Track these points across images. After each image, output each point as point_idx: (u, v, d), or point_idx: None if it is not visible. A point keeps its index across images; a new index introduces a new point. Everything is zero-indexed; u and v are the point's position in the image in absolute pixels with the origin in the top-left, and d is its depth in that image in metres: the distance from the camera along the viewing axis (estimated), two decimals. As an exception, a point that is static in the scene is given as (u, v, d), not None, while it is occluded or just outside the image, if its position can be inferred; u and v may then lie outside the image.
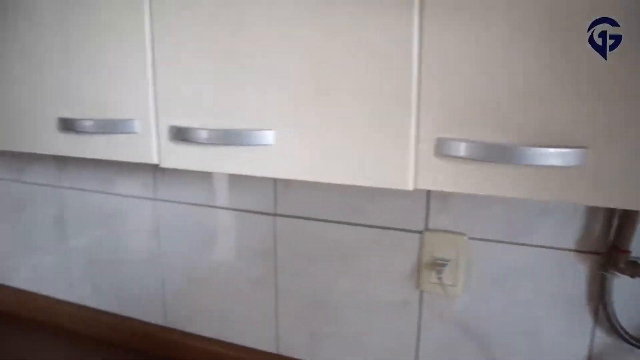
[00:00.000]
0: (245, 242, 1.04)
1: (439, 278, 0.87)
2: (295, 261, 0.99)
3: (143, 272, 1.18)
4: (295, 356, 1.04)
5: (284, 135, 0.59)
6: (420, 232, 0.89)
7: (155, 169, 1.11)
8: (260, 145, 0.60)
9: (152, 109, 0.66)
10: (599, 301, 0.78)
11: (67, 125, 0.72)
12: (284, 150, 0.59)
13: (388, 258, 0.92)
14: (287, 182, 0.96)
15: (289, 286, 1.01)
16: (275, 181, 0.98)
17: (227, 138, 0.61)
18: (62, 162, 1.23)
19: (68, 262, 1.29)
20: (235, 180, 1.02)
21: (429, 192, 0.87)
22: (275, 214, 0.99)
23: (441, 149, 0.53)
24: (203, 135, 0.63)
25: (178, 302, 1.15)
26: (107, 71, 0.68)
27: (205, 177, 1.06)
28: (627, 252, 0.74)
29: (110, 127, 0.69)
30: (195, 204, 1.08)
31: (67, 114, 0.72)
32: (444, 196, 0.86)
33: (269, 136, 0.59)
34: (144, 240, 1.16)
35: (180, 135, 0.64)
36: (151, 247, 1.15)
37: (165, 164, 0.67)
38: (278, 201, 0.98)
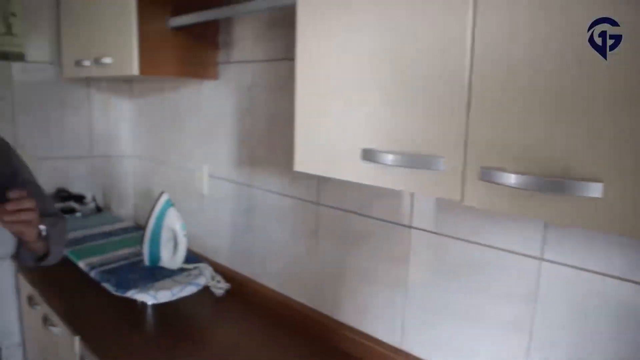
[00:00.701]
0: (505, 284, 1.02)
1: None
2: (560, 313, 0.94)
3: (387, 296, 1.24)
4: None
5: (616, 188, 0.56)
6: None
7: (400, 194, 1.17)
8: (585, 197, 0.58)
9: (461, 148, 0.69)
10: None
11: (370, 157, 0.79)
12: (614, 205, 0.56)
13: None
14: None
15: (549, 338, 0.96)
16: (544, 223, 0.94)
17: (543, 186, 0.61)
18: (322, 181, 1.37)
19: (316, 271, 1.43)
20: (497, 216, 1.01)
21: None
22: (542, 259, 0.95)
23: None
24: (513, 179, 0.63)
25: (418, 329, 1.19)
26: (416, 109, 0.74)
27: (463, 210, 1.07)
28: None
29: (413, 162, 0.74)
30: (452, 237, 1.10)
31: (372, 146, 0.80)
32: None
33: (596, 188, 0.58)
34: (391, 265, 1.22)
35: (489, 177, 0.65)
36: (397, 273, 1.21)
37: (470, 202, 0.69)
38: (547, 245, 0.94)
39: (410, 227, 1.17)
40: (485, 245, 1.04)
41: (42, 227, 1.09)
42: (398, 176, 0.77)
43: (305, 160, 0.92)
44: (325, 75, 0.87)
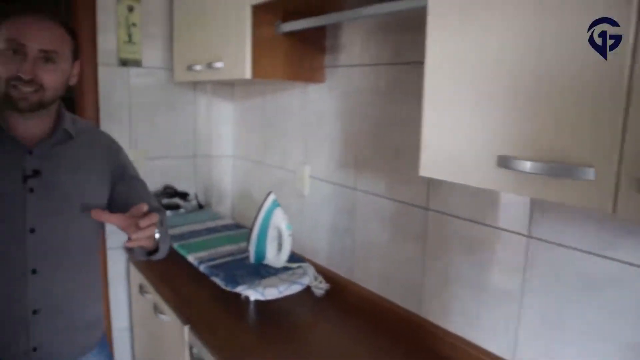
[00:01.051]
0: (620, 299, 0.96)
1: None
2: None
3: (499, 306, 1.21)
4: None
5: None
6: None
7: (518, 202, 1.12)
8: None
9: (616, 157, 0.65)
10: None
11: (507, 164, 0.76)
12: None
13: None
14: None
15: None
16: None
17: None
18: (433, 185, 1.36)
19: (421, 277, 1.42)
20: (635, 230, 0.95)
21: None
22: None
23: None
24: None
25: (533, 344, 1.14)
26: (561, 114, 0.71)
27: (585, 219, 1.02)
28: None
29: (557, 170, 0.71)
30: (577, 249, 1.04)
31: (506, 152, 0.78)
32: None
33: None
34: (505, 275, 1.19)
35: (649, 187, 0.62)
36: (512, 283, 1.17)
37: (624, 214, 0.65)
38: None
39: (528, 236, 1.13)
40: (617, 260, 0.97)
41: (156, 230, 1.13)
42: (537, 185, 0.74)
43: (432, 165, 0.91)
44: (457, 78, 0.85)
